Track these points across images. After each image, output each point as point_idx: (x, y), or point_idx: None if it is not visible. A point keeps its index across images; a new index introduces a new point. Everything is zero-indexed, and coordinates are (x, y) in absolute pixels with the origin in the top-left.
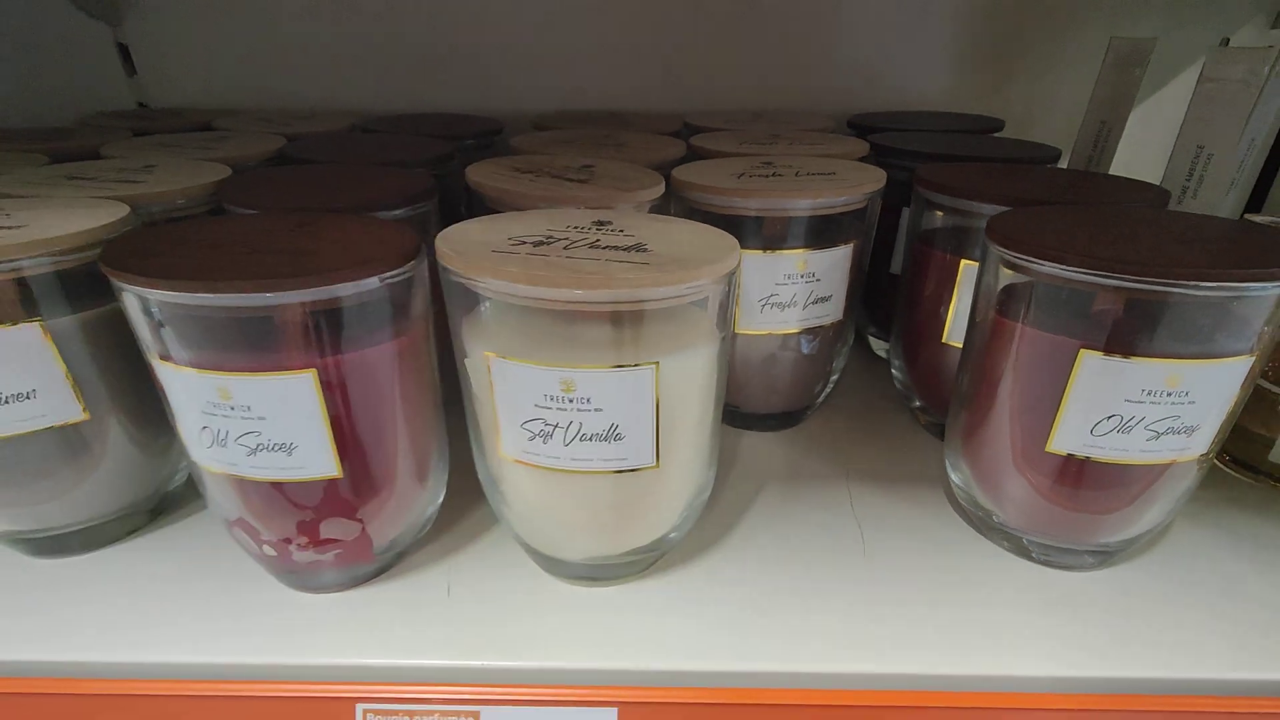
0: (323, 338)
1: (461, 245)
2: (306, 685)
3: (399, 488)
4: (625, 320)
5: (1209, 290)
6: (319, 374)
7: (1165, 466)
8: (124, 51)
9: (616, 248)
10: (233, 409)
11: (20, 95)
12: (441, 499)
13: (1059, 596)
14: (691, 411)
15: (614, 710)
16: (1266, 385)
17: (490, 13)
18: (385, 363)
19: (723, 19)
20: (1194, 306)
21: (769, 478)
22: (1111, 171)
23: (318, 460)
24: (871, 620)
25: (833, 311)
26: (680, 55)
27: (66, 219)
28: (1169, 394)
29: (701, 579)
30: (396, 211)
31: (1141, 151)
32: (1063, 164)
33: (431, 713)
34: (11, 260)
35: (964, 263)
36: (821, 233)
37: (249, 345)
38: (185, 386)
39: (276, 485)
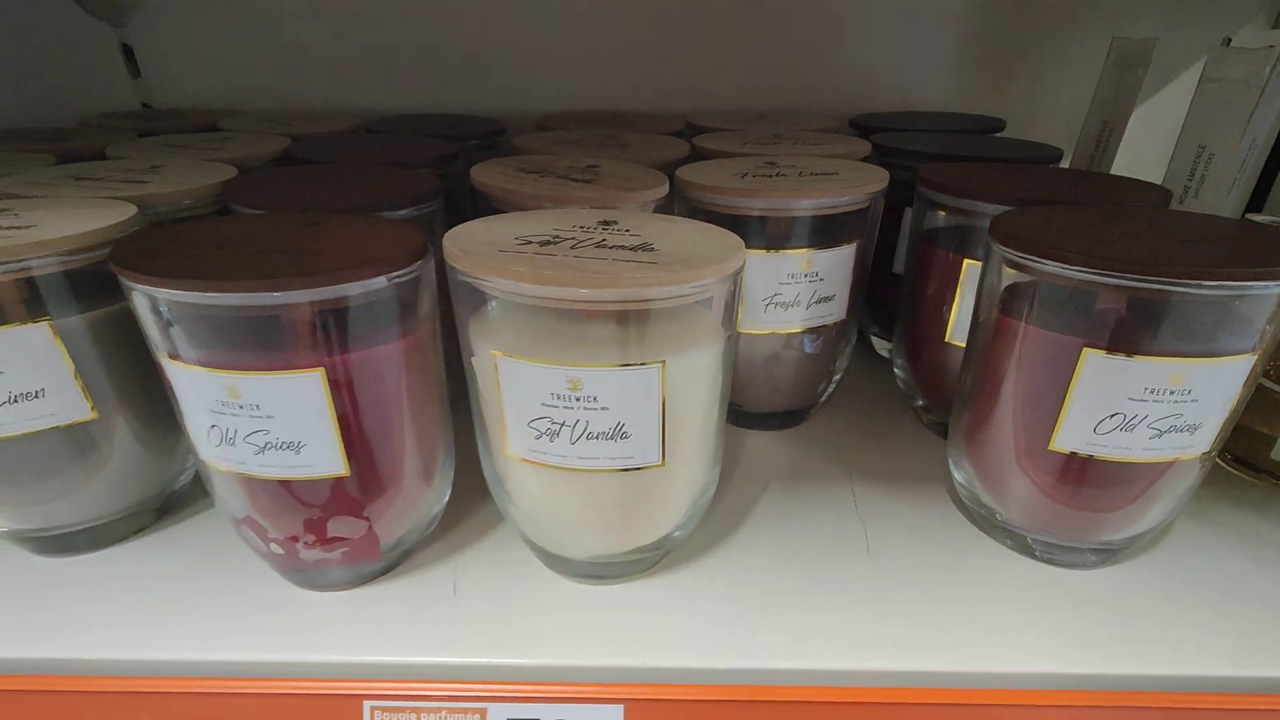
0: (330, 337)
1: (469, 245)
2: (314, 683)
3: (406, 486)
4: (631, 319)
5: (1211, 289)
6: (327, 373)
7: (1168, 465)
8: (128, 53)
9: (623, 247)
10: (241, 407)
11: (24, 96)
12: (447, 498)
13: (1062, 594)
14: (697, 410)
15: (620, 707)
16: (1268, 384)
17: (492, 13)
18: (392, 362)
19: (724, 19)
20: (1197, 305)
21: (772, 477)
22: (1113, 171)
23: (325, 459)
24: (876, 617)
25: (836, 311)
26: (682, 56)
27: (75, 219)
28: (1172, 392)
29: (706, 577)
30: (402, 212)
31: (1143, 151)
32: (1064, 164)
33: (439, 710)
34: (21, 260)
35: (967, 262)
36: (825, 232)
37: (258, 344)
38: (194, 385)
39: (284, 483)
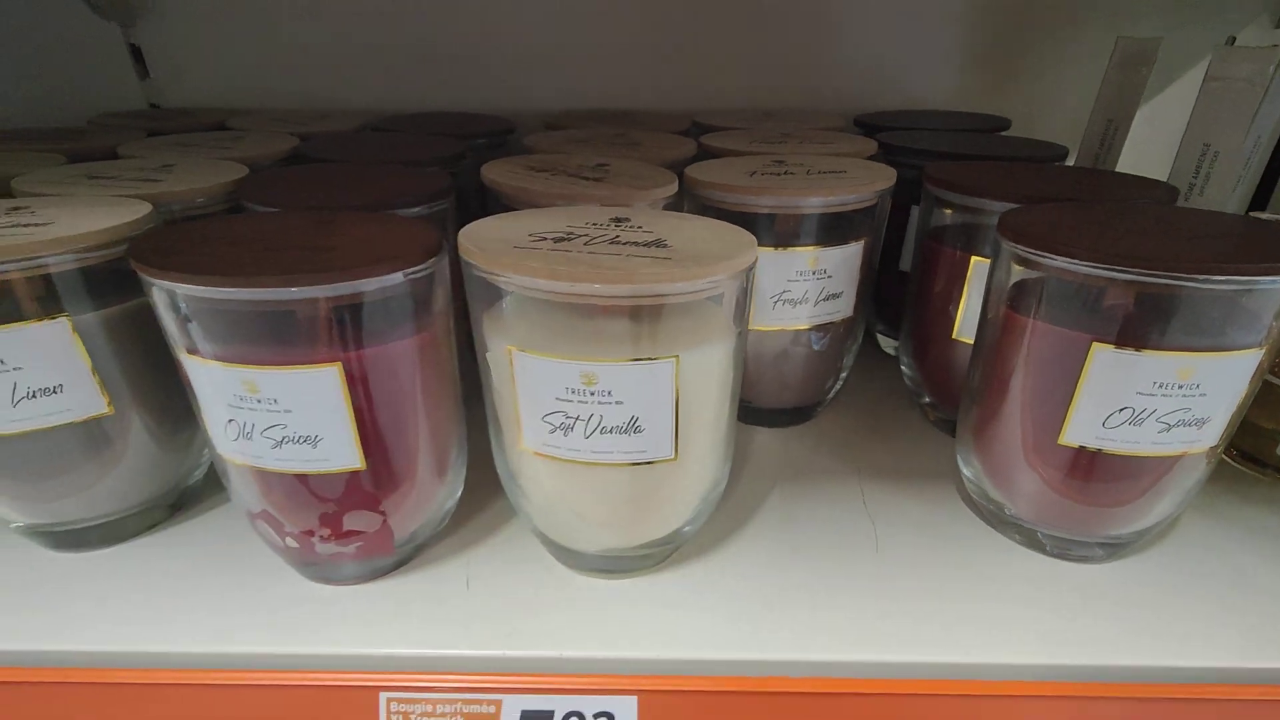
0: (347, 332)
1: (483, 241)
2: (330, 674)
3: (420, 480)
4: (645, 315)
5: (1220, 284)
6: (344, 367)
7: (1176, 458)
8: (136, 53)
9: (636, 243)
10: (259, 402)
11: (31, 96)
12: (460, 493)
13: (1070, 588)
14: (709, 405)
15: (634, 699)
16: (1274, 380)
17: (497, 12)
18: (407, 357)
19: (729, 18)
20: (1205, 300)
21: (781, 473)
22: (1118, 170)
23: (342, 452)
24: (885, 611)
25: (843, 308)
26: (687, 55)
27: (91, 217)
28: (1180, 386)
29: (716, 572)
30: (415, 209)
31: (1148, 150)
32: (1069, 162)
33: (454, 701)
34: (39, 257)
35: (974, 259)
36: (833, 230)
37: (276, 339)
38: (212, 380)
39: (301, 477)
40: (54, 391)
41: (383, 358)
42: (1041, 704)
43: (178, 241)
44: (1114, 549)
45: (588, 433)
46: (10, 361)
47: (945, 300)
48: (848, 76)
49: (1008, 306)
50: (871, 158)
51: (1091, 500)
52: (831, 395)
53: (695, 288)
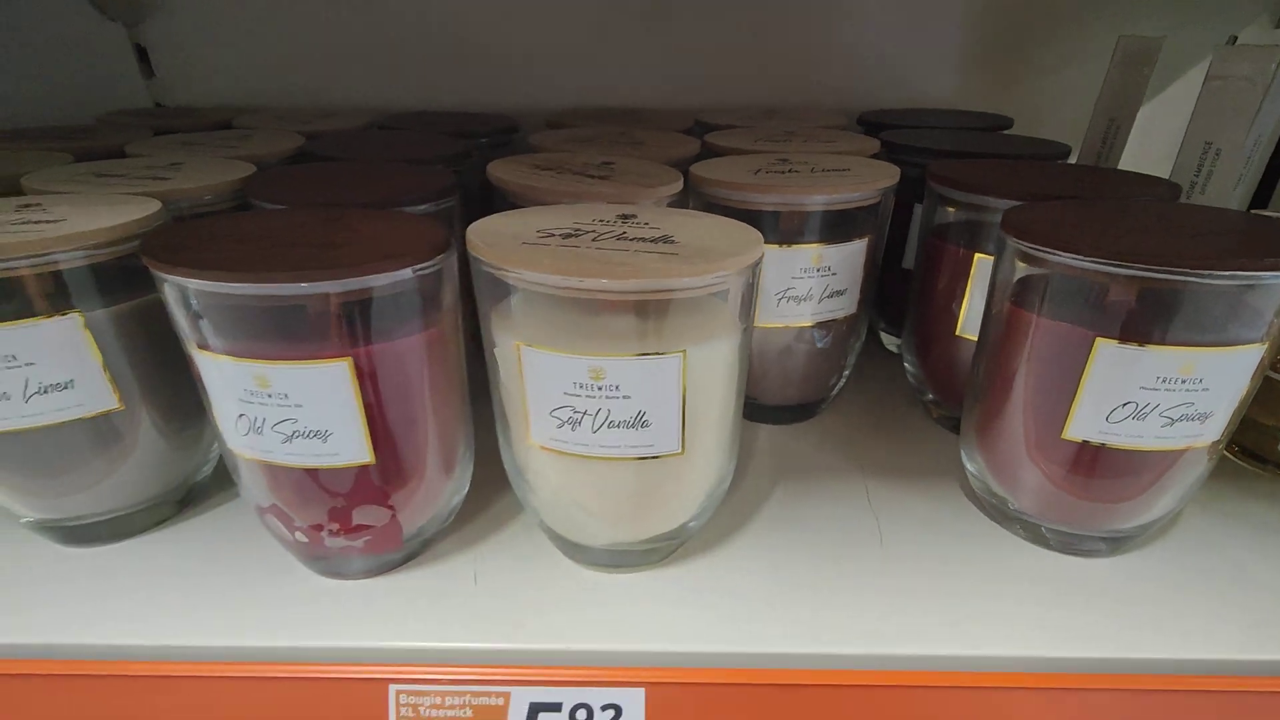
0: (357, 327)
1: (492, 237)
2: (341, 667)
3: (428, 475)
4: (653, 310)
5: (1223, 279)
6: (354, 362)
7: (1179, 453)
8: (141, 52)
9: (643, 239)
10: (270, 396)
11: (37, 95)
12: (467, 489)
13: (1074, 582)
14: (715, 400)
15: (641, 690)
16: (1276, 376)
17: (499, 10)
18: (416, 353)
19: (732, 17)
20: (1208, 296)
21: (785, 470)
22: (1120, 168)
23: (352, 447)
24: (890, 605)
25: (847, 305)
26: (690, 53)
27: (101, 214)
28: (1183, 381)
29: (721, 567)
30: (421, 207)
31: (1149, 149)
32: (1072, 161)
33: (463, 693)
34: (51, 253)
35: (978, 256)
36: (836, 227)
37: (287, 334)
38: (223, 375)
39: (311, 472)
40: (65, 387)
41: (392, 353)
42: (1045, 696)
43: (188, 238)
44: (1117, 544)
45: (595, 427)
46: (22, 357)
47: (948, 297)
48: (850, 75)
49: (1011, 303)
50: (874, 156)
51: (1095, 495)
52: (835, 392)
53: (702, 283)
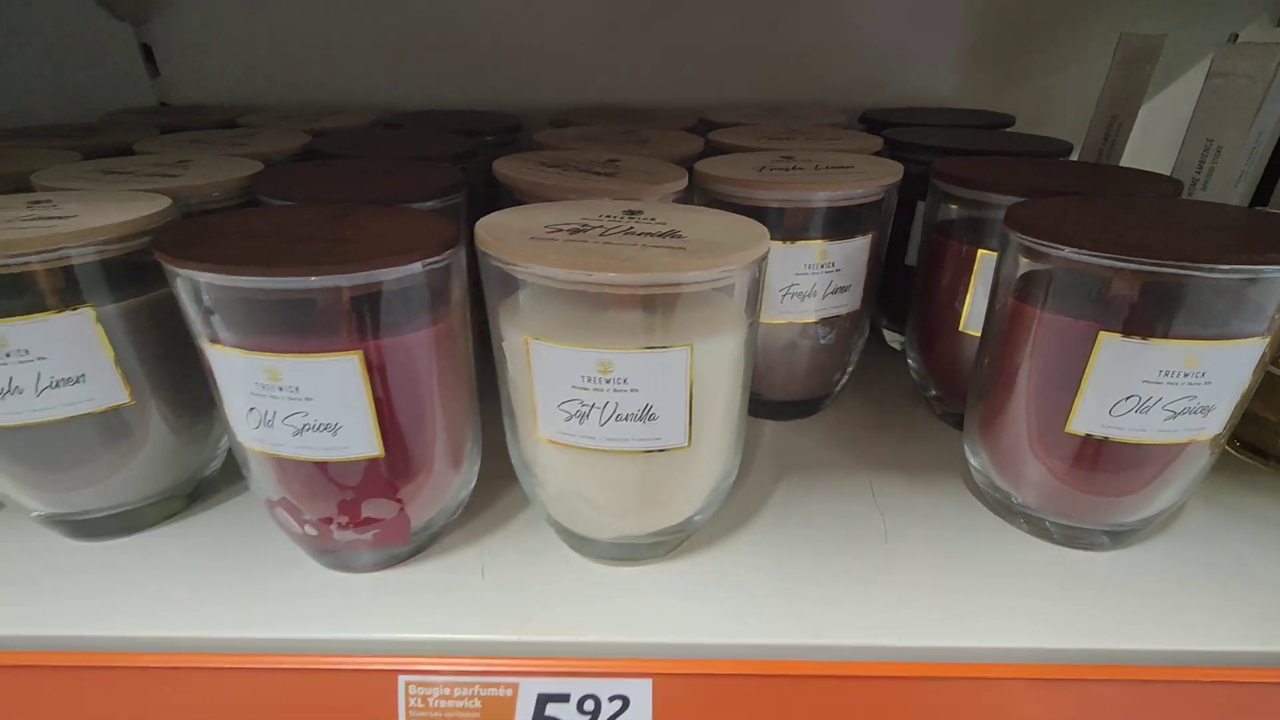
0: (368, 321)
1: (500, 232)
2: (350, 658)
3: (437, 469)
4: (660, 304)
5: (1225, 273)
6: (364, 356)
7: (1181, 446)
8: (146, 51)
9: (651, 234)
10: (281, 390)
11: (43, 94)
12: (474, 483)
13: (1077, 575)
14: (721, 394)
15: (649, 681)
16: (1277, 372)
17: (502, 10)
18: (425, 347)
19: (735, 16)
20: (1211, 289)
21: (789, 466)
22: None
23: (361, 440)
24: (895, 598)
25: (850, 301)
26: (693, 52)
27: (112, 210)
28: (1186, 375)
29: (727, 561)
30: (428, 203)
31: (1150, 147)
32: (1073, 159)
33: (472, 684)
34: (63, 249)
35: (981, 252)
36: (840, 224)
37: (298, 328)
38: (235, 369)
39: (320, 465)
40: (76, 381)
41: (402, 347)
42: (1048, 687)
43: (199, 233)
44: (1120, 537)
45: (603, 420)
46: (34, 351)
47: (952, 294)
48: (852, 74)
49: (1015, 298)
50: (877, 154)
51: (1098, 488)
52: (838, 389)
53: (710, 277)
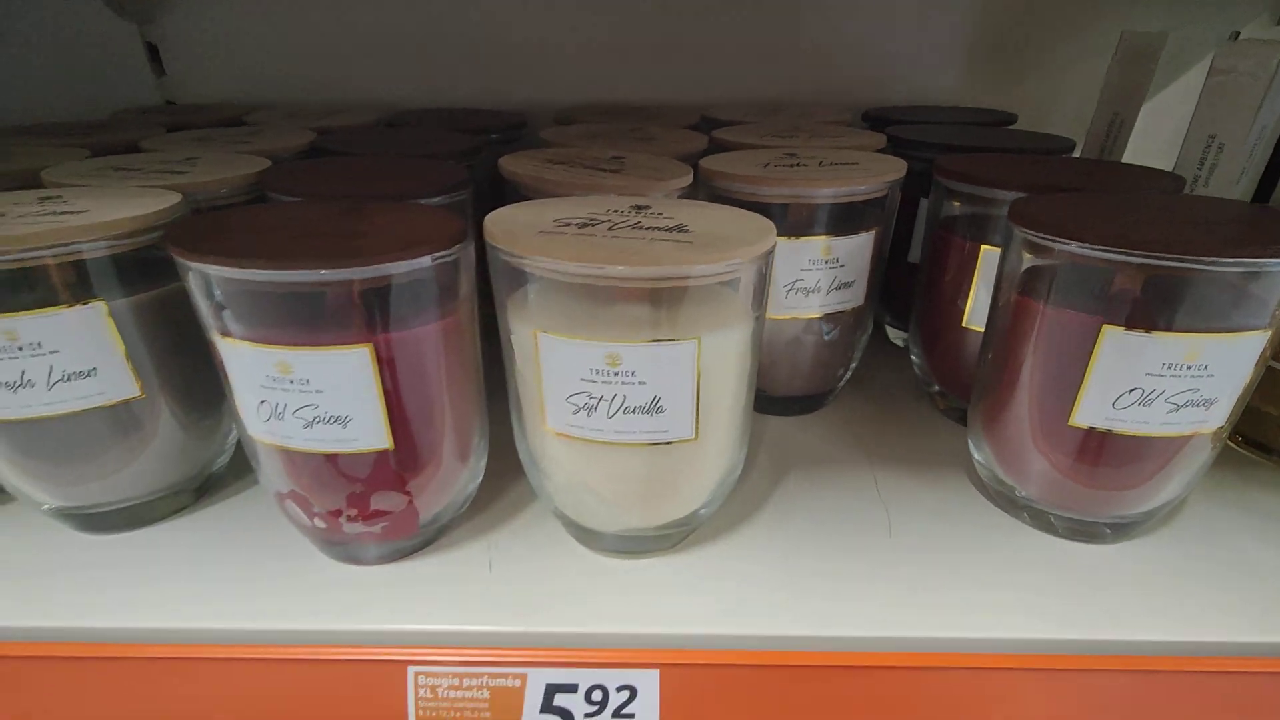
0: (378, 314)
1: (510, 227)
2: (359, 649)
3: (445, 462)
4: (668, 298)
5: (1228, 267)
6: (375, 349)
7: (1184, 439)
8: (151, 50)
9: (658, 228)
10: (292, 383)
11: (48, 92)
12: (481, 477)
13: (1080, 566)
14: (728, 388)
15: (656, 672)
16: (1279, 366)
17: (504, 9)
18: (435, 340)
19: (737, 14)
20: (1213, 283)
21: (794, 461)
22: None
23: (371, 432)
24: (900, 589)
25: (854, 297)
26: (696, 50)
27: (123, 205)
28: (1188, 367)
29: (733, 554)
30: (434, 199)
31: (1152, 144)
32: (1075, 156)
33: (480, 675)
34: (75, 243)
35: (984, 248)
36: (844, 220)
37: (309, 321)
38: (246, 362)
39: (330, 458)
40: (88, 375)
41: (411, 340)
42: (1052, 677)
43: (210, 228)
44: (1123, 530)
45: (611, 413)
46: (47, 345)
47: (955, 289)
48: (854, 73)
49: (1019, 293)
50: (880, 151)
51: (1101, 481)
52: (842, 384)
53: (718, 270)
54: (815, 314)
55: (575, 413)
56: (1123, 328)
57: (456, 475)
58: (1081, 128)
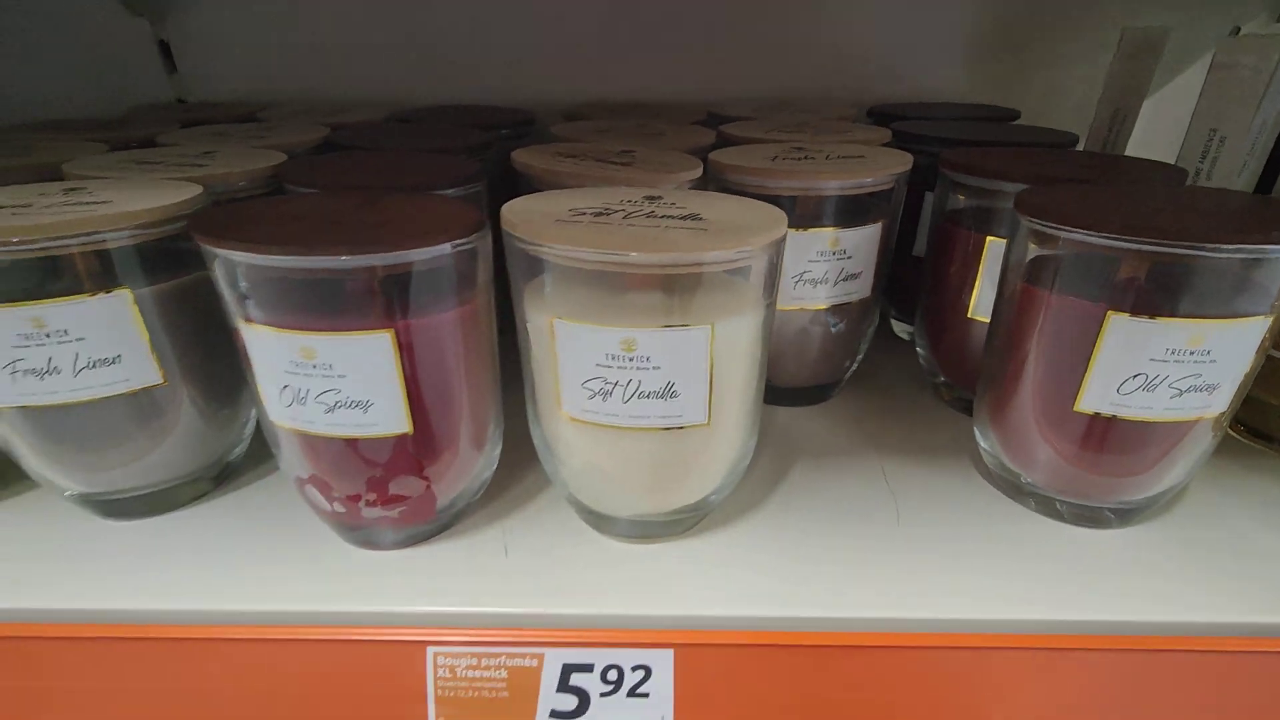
0: (399, 301)
1: (527, 215)
2: (380, 630)
3: (462, 447)
4: (682, 285)
5: (1230, 253)
6: (396, 335)
7: (1187, 425)
8: (164, 48)
9: (672, 217)
10: (314, 368)
11: (61, 90)
12: (496, 464)
13: (1084, 551)
14: (740, 374)
15: (670, 652)
16: (1279, 355)
17: (511, 6)
18: (453, 327)
19: (743, 12)
20: (1216, 269)
21: (802, 450)
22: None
23: (391, 417)
24: (908, 573)
25: (861, 289)
26: (702, 48)
27: (146, 196)
28: (1191, 353)
29: (744, 539)
30: (450, 191)
31: (1154, 138)
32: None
33: (498, 655)
34: (100, 232)
35: (989, 239)
36: (852, 213)
37: (332, 307)
38: (269, 348)
39: (350, 442)
40: (112, 362)
41: (431, 326)
42: (1056, 656)
43: (233, 218)
44: (1127, 515)
45: (626, 398)
46: (73, 332)
47: (960, 281)
48: (858, 69)
49: (1024, 282)
50: (885, 146)
51: (1105, 466)
52: (848, 376)
53: (732, 256)
54: (822, 305)
55: (591, 398)
56: (1127, 314)
57: (473, 461)
58: (1084, 123)
